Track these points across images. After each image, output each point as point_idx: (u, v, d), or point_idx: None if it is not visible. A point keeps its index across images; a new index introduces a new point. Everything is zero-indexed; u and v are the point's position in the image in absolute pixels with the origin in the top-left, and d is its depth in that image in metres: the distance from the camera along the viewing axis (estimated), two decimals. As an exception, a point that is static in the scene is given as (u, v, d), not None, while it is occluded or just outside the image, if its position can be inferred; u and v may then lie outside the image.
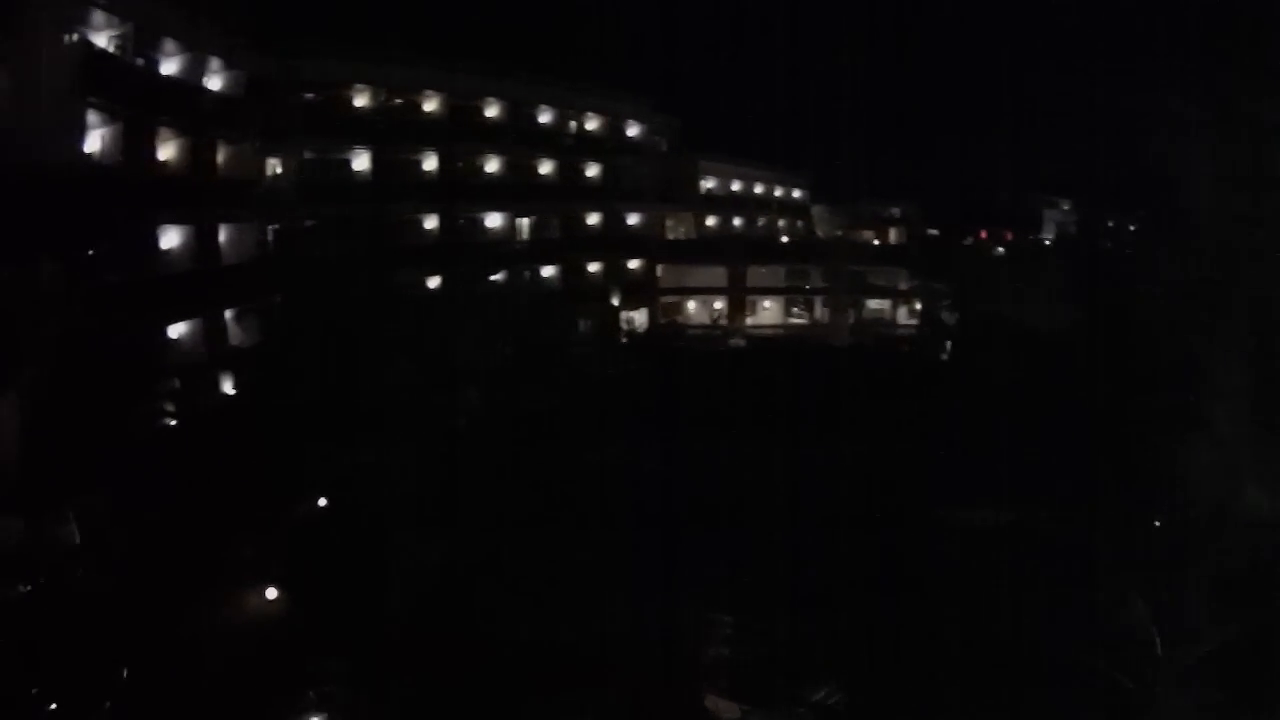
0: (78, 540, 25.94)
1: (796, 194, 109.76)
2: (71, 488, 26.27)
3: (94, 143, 37.38)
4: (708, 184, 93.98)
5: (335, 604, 25.22)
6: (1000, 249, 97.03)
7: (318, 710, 21.87)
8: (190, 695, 20.71)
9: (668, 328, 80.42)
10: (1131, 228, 78.61)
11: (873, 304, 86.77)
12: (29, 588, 23.07)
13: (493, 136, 68.54)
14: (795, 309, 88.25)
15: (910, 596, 26.21)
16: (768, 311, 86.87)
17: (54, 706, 19.59)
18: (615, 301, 76.53)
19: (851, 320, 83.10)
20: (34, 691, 19.47)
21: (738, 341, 79.59)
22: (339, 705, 22.26)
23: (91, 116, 35.99)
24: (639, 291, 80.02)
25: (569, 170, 75.04)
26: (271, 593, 26.93)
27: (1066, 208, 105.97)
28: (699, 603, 26.51)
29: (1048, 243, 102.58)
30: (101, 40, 37.86)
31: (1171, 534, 29.38)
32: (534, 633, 23.62)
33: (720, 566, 27.18)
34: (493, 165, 69.27)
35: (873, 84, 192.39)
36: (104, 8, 36.87)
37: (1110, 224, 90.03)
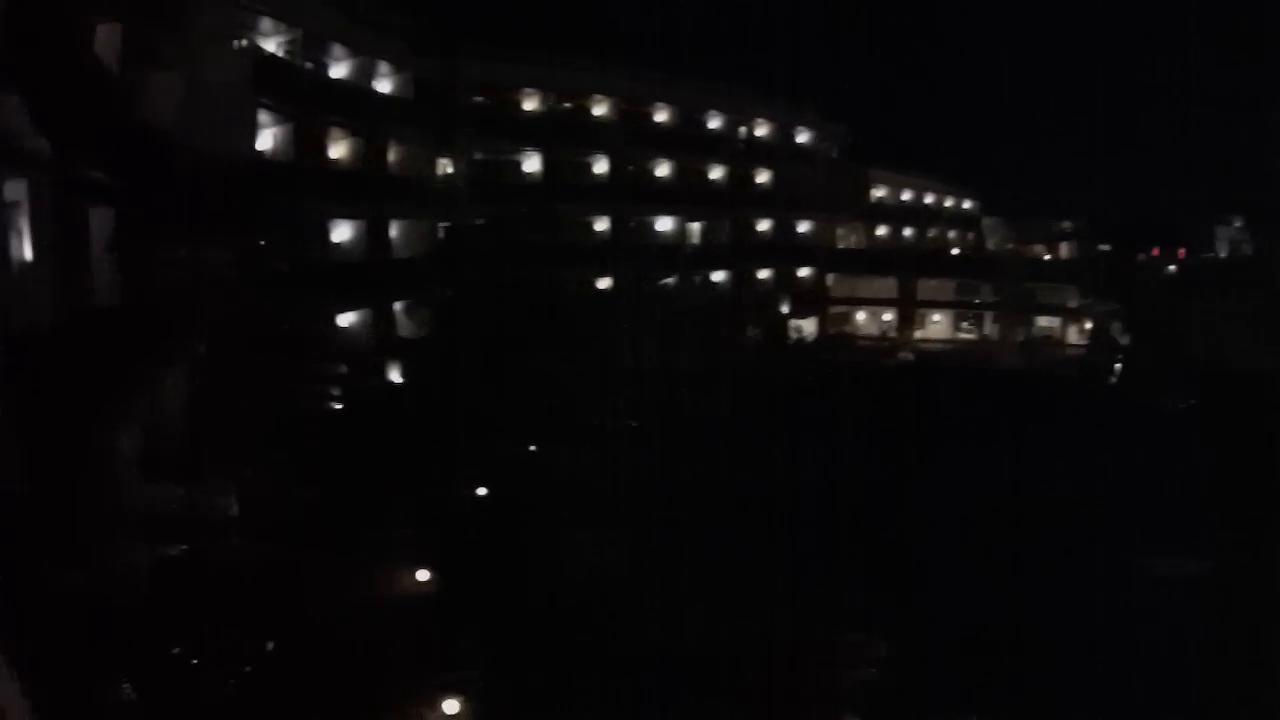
0: (234, 511, 26.67)
1: (966, 205, 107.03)
2: (233, 461, 26.36)
3: (267, 140, 38.77)
4: (877, 193, 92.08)
5: (484, 593, 24.94)
6: (1172, 267, 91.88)
7: (454, 693, 21.90)
8: (330, 667, 21.04)
9: (836, 338, 78.88)
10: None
11: (1042, 322, 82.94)
12: (183, 551, 23.71)
13: (663, 141, 68.39)
14: (965, 324, 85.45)
15: (1072, 638, 24.82)
16: (937, 326, 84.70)
17: (194, 662, 19.93)
18: (785, 310, 75.62)
19: (1021, 338, 80.00)
20: (176, 650, 19.81)
21: (906, 355, 77.23)
22: (475, 691, 22.28)
23: (264, 116, 37.16)
24: (808, 301, 79.06)
25: (739, 176, 74.28)
26: (423, 575, 27.28)
27: (1239, 225, 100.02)
28: (843, 621, 25.68)
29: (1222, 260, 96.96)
30: (271, 46, 39.33)
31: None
32: (674, 640, 22.83)
33: (871, 586, 25.75)
34: (663, 170, 69.14)
35: (1043, 95, 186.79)
36: (272, 16, 38.33)
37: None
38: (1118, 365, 67.43)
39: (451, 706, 20.91)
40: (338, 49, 44.13)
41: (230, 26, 34.19)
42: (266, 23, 38.38)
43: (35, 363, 14.31)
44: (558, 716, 21.18)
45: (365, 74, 46.03)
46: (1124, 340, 70.05)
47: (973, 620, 25.03)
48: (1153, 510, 31.60)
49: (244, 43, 35.08)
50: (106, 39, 21.81)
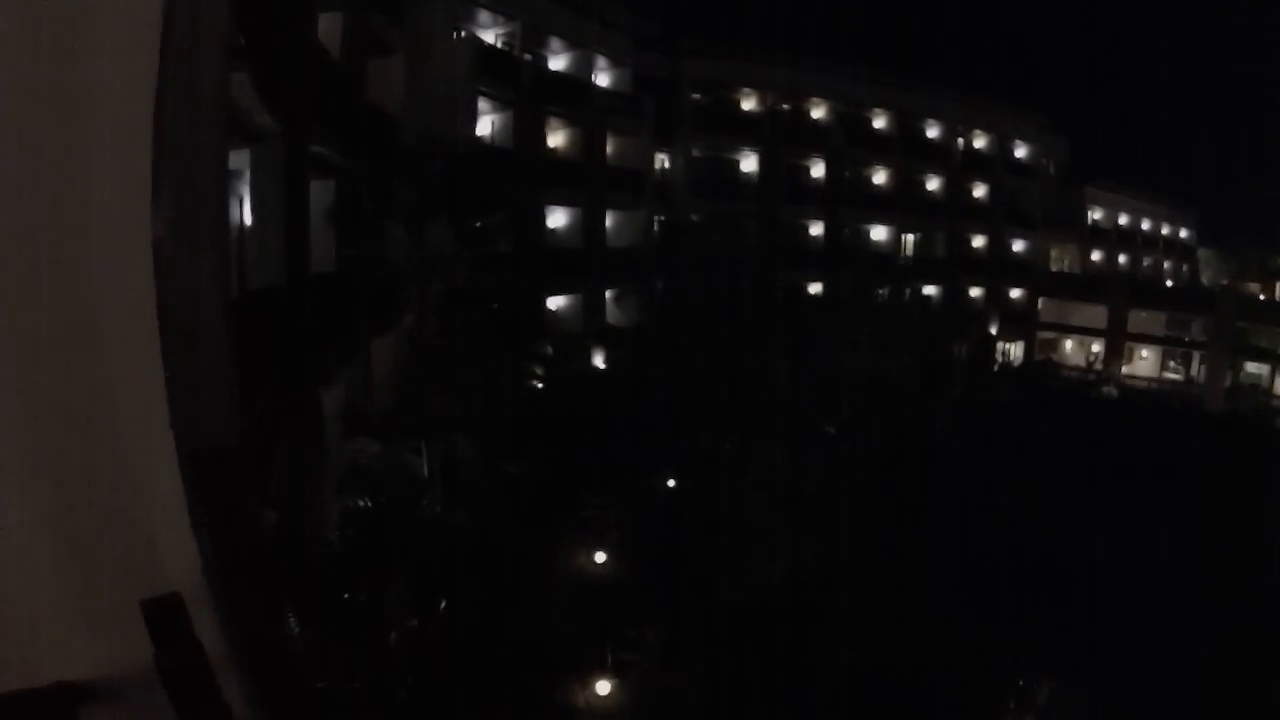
0: (425, 472, 27.84)
1: (1183, 234, 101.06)
2: (431, 426, 27.27)
3: (486, 127, 40.28)
4: (1093, 214, 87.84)
5: (663, 582, 25.46)
6: None
7: (614, 673, 22.32)
8: (494, 630, 21.44)
9: (1043, 365, 76.05)
10: None
11: (1251, 368, 76.06)
12: (368, 503, 24.85)
13: (881, 147, 67.72)
14: (1172, 362, 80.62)
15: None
16: (1144, 362, 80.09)
17: (363, 603, 20.75)
18: (993, 330, 73.57)
19: (1228, 383, 74.29)
20: (347, 595, 20.70)
21: (1110, 390, 74.37)
22: (637, 673, 22.36)
23: (484, 104, 38.66)
24: (1017, 323, 76.80)
25: (955, 188, 72.77)
26: (601, 556, 27.78)
27: None
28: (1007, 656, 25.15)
29: None
30: (490, 36, 40.83)
31: None
32: (849, 656, 22.61)
33: (1061, 628, 25.46)
34: (880, 177, 68.54)
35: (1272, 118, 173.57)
36: (490, 8, 39.93)
37: None
38: None
39: (605, 687, 21.44)
40: (556, 41, 45.42)
41: (451, 17, 35.82)
42: (485, 15, 39.95)
43: (256, 318, 15.37)
44: (716, 713, 21.18)
45: (585, 66, 47.15)
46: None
47: (1154, 678, 24.15)
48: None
49: (464, 33, 36.60)
50: (334, 25, 23.28)
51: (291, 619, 16.47)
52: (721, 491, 30.73)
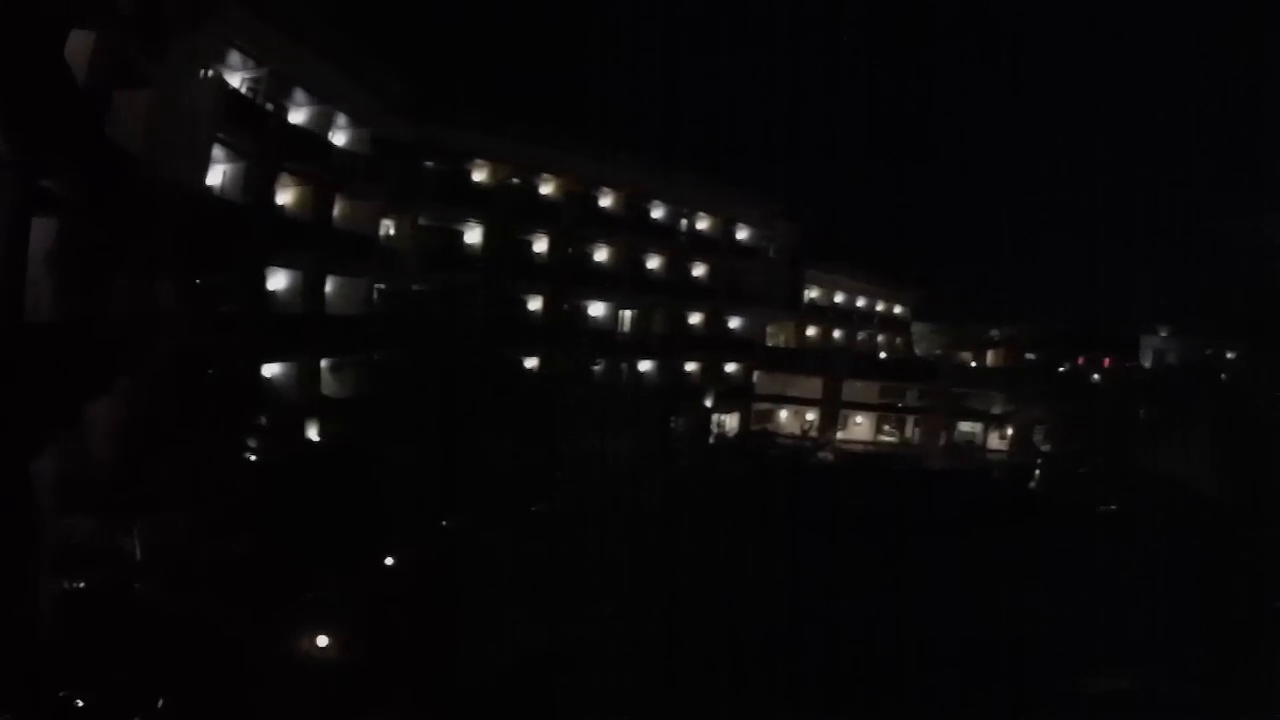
0: (140, 553, 25.58)
1: (898, 310, 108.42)
2: (149, 501, 25.43)
3: (217, 177, 37.73)
4: (812, 293, 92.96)
5: (393, 661, 24.45)
6: (1096, 375, 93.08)
7: None
8: None
9: (758, 435, 78.89)
10: (1230, 355, 75.78)
11: (964, 427, 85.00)
12: (81, 587, 22.54)
13: (606, 224, 68.51)
14: (887, 426, 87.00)
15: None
16: (859, 427, 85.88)
17: (81, 705, 18.95)
18: (708, 403, 75.04)
19: (943, 442, 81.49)
20: (61, 693, 18.73)
21: (826, 455, 77.68)
22: None
23: (217, 152, 36.15)
24: (733, 396, 78.88)
25: (676, 267, 74.49)
26: (325, 640, 26.10)
27: (1164, 334, 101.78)
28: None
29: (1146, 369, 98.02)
30: (235, 80, 38.34)
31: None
32: None
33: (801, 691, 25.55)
34: (602, 254, 69.24)
35: (977, 205, 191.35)
36: (242, 50, 37.46)
37: (1209, 352, 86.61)
38: (1037, 470, 68.41)
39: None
40: (301, 93, 43.30)
41: (204, 55, 33.58)
42: (235, 56, 37.60)
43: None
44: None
45: (325, 123, 45.47)
46: (1045, 446, 71.45)
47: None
48: (1071, 617, 31.37)
49: (211, 74, 34.32)
50: (81, 49, 21.02)
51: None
52: (446, 572, 30.09)
